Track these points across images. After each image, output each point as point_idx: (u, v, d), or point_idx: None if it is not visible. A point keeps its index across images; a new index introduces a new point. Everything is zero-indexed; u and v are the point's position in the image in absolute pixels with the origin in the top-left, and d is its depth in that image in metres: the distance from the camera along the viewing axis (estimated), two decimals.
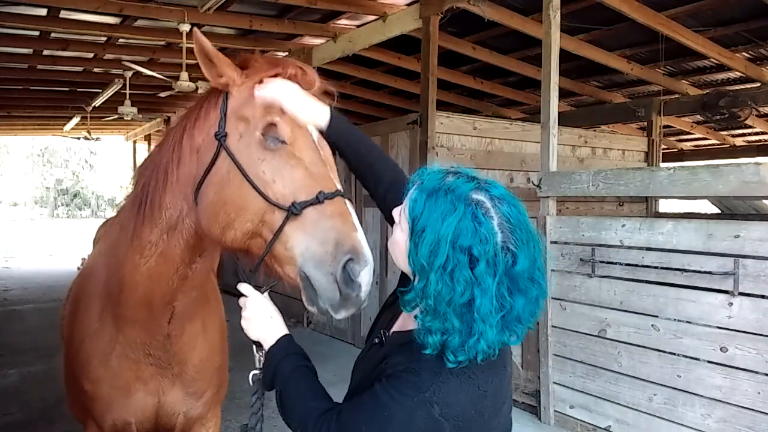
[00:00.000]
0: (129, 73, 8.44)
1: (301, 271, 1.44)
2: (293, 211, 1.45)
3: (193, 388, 2.07)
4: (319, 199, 1.45)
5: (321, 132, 1.65)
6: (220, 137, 1.58)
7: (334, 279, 1.40)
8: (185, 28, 6.22)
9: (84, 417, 2.15)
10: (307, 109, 1.62)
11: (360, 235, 1.44)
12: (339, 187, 1.51)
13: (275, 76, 1.62)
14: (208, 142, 1.62)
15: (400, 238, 1.32)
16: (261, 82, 1.60)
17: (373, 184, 1.74)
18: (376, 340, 1.47)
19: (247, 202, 1.51)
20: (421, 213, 1.22)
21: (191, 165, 1.65)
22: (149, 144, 14.65)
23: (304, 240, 1.45)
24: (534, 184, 4.54)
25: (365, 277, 1.40)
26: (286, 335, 1.49)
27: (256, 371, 1.52)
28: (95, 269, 2.09)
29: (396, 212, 1.37)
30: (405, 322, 1.44)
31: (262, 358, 1.50)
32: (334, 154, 1.67)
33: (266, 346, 1.48)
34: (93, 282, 2.06)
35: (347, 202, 1.50)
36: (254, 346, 1.52)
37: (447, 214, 1.18)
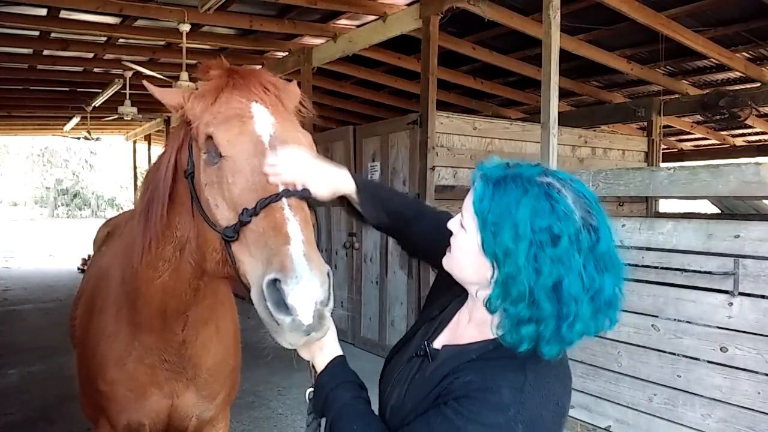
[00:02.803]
0: (129, 73, 8.43)
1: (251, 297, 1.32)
2: (225, 237, 1.36)
3: (206, 391, 2.08)
4: (242, 221, 1.32)
5: (350, 197, 1.52)
6: (188, 176, 1.55)
7: (265, 303, 1.23)
8: (185, 28, 6.21)
9: (96, 416, 2.16)
10: (329, 181, 1.44)
11: (293, 246, 1.23)
12: (282, 188, 1.34)
13: (225, 86, 1.52)
14: (184, 179, 1.61)
15: (464, 242, 1.24)
16: (210, 96, 1.51)
17: (407, 231, 1.62)
18: (420, 352, 1.36)
19: (208, 232, 1.48)
20: (491, 201, 1.17)
21: (185, 194, 1.63)
22: (149, 144, 14.65)
23: (251, 263, 1.32)
24: None
25: (300, 296, 1.18)
26: (336, 358, 1.37)
27: (311, 388, 1.41)
28: (110, 271, 2.09)
29: (454, 222, 1.30)
30: (455, 334, 1.36)
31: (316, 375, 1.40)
32: (358, 218, 1.55)
33: (317, 368, 1.37)
34: (108, 284, 2.07)
35: (287, 204, 1.31)
36: (310, 364, 1.41)
37: (520, 198, 1.14)
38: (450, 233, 1.31)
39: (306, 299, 1.19)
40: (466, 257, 1.25)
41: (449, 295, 1.44)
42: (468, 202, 1.24)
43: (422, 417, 1.21)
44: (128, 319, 1.93)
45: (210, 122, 1.46)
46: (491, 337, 1.25)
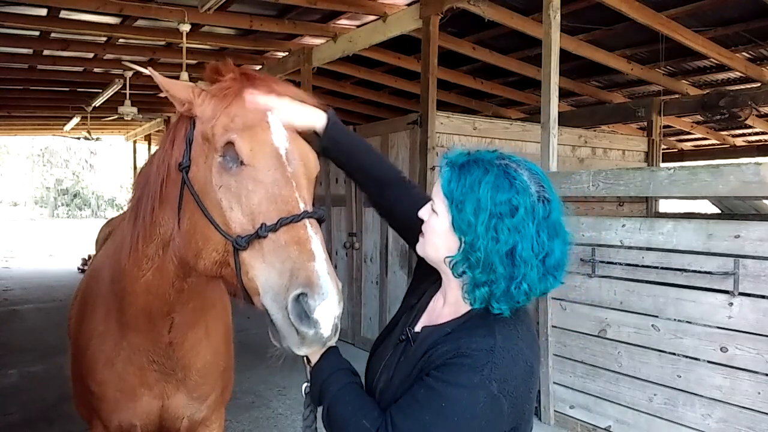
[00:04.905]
0: (129, 73, 8.44)
1: (261, 304, 1.36)
2: (237, 245, 1.38)
3: (197, 393, 2.07)
4: (259, 234, 1.35)
5: (315, 135, 1.60)
6: (183, 168, 1.56)
7: (288, 314, 1.29)
8: (185, 28, 6.22)
9: (90, 416, 2.16)
10: (298, 113, 1.56)
11: (318, 264, 1.31)
12: (302, 208, 1.39)
13: (241, 91, 1.53)
14: (176, 173, 1.61)
15: (436, 225, 1.37)
16: (224, 98, 1.53)
17: (378, 191, 1.73)
18: (403, 338, 1.47)
19: (210, 231, 1.47)
20: (458, 182, 1.32)
21: (173, 189, 1.63)
22: (149, 144, 14.67)
23: (264, 270, 1.35)
24: None
25: (324, 312, 1.27)
26: (330, 349, 1.44)
27: (308, 383, 1.48)
28: (102, 271, 2.09)
29: (425, 210, 1.43)
30: (432, 317, 1.47)
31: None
32: (326, 161, 1.59)
33: (312, 360, 1.44)
34: (99, 284, 2.07)
35: (309, 224, 1.38)
36: (304, 358, 1.46)
37: (482, 177, 1.30)
38: (422, 221, 1.44)
39: (329, 315, 1.28)
40: (439, 238, 1.37)
41: (426, 283, 1.56)
42: (437, 188, 1.38)
43: (408, 392, 1.31)
44: (117, 320, 1.93)
45: (229, 127, 1.47)
46: (463, 313, 1.39)
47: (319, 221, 1.44)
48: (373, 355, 1.57)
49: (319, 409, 1.45)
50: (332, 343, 1.35)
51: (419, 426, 1.24)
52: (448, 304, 1.44)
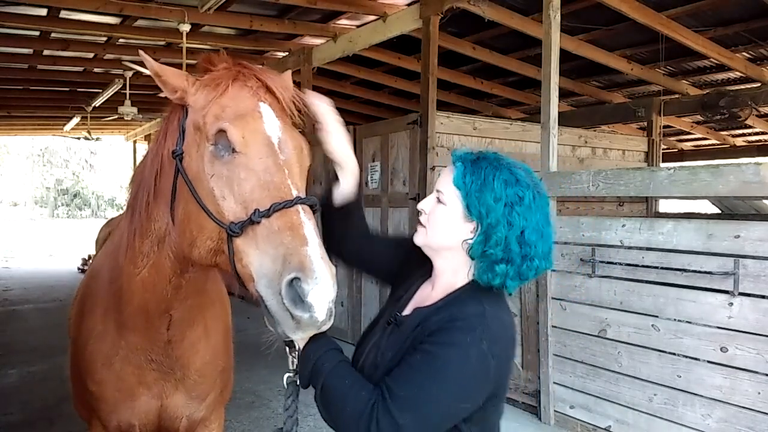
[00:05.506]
0: (129, 73, 8.45)
1: (255, 290, 1.36)
2: (231, 232, 1.39)
3: (196, 392, 2.07)
4: (252, 220, 1.36)
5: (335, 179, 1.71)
6: (177, 156, 1.55)
7: (282, 299, 1.29)
8: (185, 28, 6.23)
9: (88, 416, 2.16)
10: (338, 138, 1.75)
11: (311, 248, 1.31)
12: (295, 194, 1.40)
13: (233, 81, 1.53)
14: (169, 164, 1.60)
15: (444, 214, 1.52)
16: (216, 87, 1.53)
17: (358, 240, 1.86)
18: (391, 320, 1.55)
19: (204, 220, 1.47)
20: (472, 176, 1.50)
21: (166, 180, 1.63)
22: (149, 144, 14.67)
23: (257, 257, 1.36)
24: None
25: (318, 295, 1.27)
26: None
27: (290, 373, 1.51)
28: (101, 271, 2.09)
29: (428, 202, 1.57)
30: (420, 302, 1.56)
31: (295, 360, 1.49)
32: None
33: (300, 344, 1.46)
34: (98, 283, 2.07)
35: (302, 210, 1.38)
36: (287, 348, 1.48)
37: (494, 172, 1.49)
38: (419, 213, 1.59)
39: (323, 298, 1.28)
40: (447, 226, 1.51)
41: (412, 279, 1.69)
42: (447, 180, 1.53)
43: (402, 362, 1.40)
44: (115, 319, 1.93)
45: (220, 115, 1.47)
46: (452, 290, 1.53)
47: (312, 208, 1.44)
48: (361, 344, 1.64)
49: (302, 398, 1.50)
50: (327, 327, 1.35)
51: (414, 388, 1.32)
52: (437, 290, 1.54)
